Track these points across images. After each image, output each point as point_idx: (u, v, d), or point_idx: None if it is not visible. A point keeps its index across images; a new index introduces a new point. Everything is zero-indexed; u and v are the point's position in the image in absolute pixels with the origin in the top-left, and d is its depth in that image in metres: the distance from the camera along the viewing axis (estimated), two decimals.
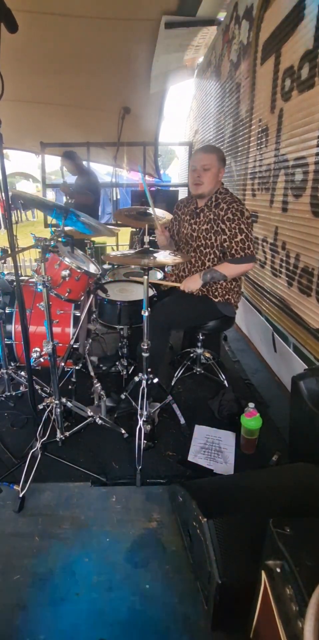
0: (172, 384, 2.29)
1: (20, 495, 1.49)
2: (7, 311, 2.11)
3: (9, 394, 2.14)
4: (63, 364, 2.00)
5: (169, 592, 1.22)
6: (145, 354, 1.70)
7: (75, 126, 4.94)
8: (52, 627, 1.13)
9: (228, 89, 3.22)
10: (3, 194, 1.34)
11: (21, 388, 2.16)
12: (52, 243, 1.54)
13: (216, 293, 1.99)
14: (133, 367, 2.36)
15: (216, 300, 1.99)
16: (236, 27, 2.90)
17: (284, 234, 2.14)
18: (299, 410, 1.52)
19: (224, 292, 1.99)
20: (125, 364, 2.34)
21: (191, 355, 2.39)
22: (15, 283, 1.45)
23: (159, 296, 2.24)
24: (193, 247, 2.03)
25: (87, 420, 1.83)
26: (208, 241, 1.96)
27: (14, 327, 2.16)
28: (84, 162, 4.26)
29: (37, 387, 2.06)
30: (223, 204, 1.89)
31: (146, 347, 1.68)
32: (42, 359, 1.97)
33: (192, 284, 1.91)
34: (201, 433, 1.93)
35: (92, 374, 2.05)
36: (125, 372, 2.33)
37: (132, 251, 1.97)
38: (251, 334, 3.00)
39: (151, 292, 2.24)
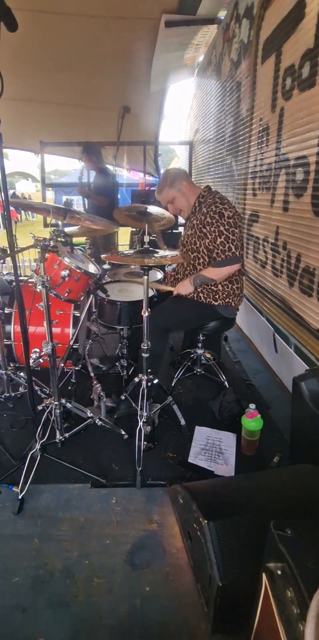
0: (172, 384, 2.29)
1: (20, 497, 1.49)
2: (6, 311, 2.10)
3: (8, 394, 2.14)
4: (62, 364, 2.00)
5: (169, 595, 1.21)
6: (145, 355, 1.69)
7: (75, 125, 4.94)
8: (51, 629, 1.12)
9: (229, 87, 3.21)
10: (2, 194, 1.33)
11: (20, 389, 2.16)
12: (51, 243, 1.53)
13: (216, 296, 1.98)
14: (133, 367, 2.35)
15: (216, 303, 1.99)
16: (237, 26, 2.88)
17: (285, 233, 2.13)
18: (300, 411, 1.51)
19: (224, 295, 1.98)
20: (125, 364, 2.33)
21: (192, 355, 2.38)
22: (14, 283, 1.45)
23: (159, 297, 2.23)
24: (184, 252, 2.08)
25: (87, 422, 1.82)
26: (194, 246, 1.98)
27: (13, 328, 2.16)
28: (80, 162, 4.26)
29: (36, 388, 2.06)
30: (204, 207, 1.91)
31: (146, 347, 1.68)
32: (41, 360, 1.97)
33: (183, 289, 1.98)
34: (202, 434, 1.92)
35: (92, 374, 2.04)
36: (125, 373, 2.32)
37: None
38: (252, 334, 2.99)
39: (151, 293, 2.23)
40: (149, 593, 1.21)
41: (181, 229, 4.10)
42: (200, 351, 2.35)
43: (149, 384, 1.75)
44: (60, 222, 1.83)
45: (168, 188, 2.01)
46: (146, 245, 1.65)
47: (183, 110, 5.93)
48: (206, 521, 1.07)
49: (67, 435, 1.77)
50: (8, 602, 1.19)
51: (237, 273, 2.01)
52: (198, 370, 2.41)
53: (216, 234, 1.84)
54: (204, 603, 1.14)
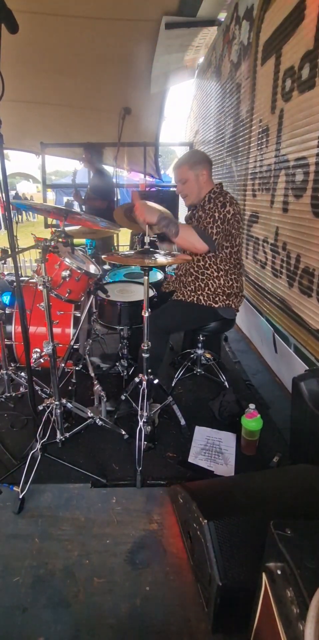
0: (173, 384, 2.29)
1: (20, 497, 1.49)
2: (7, 311, 2.11)
3: (9, 394, 2.14)
4: (63, 364, 2.00)
5: (169, 594, 1.21)
6: (145, 355, 1.70)
7: (76, 126, 4.95)
8: (52, 629, 1.12)
9: (229, 89, 3.22)
10: (3, 194, 1.33)
11: (21, 389, 2.16)
12: (52, 244, 1.54)
13: (216, 299, 1.98)
14: (133, 367, 2.35)
15: (216, 305, 1.98)
16: (237, 28, 2.89)
17: (285, 234, 2.13)
18: (300, 411, 1.52)
19: (224, 297, 1.98)
20: (125, 364, 2.34)
21: (192, 356, 2.38)
22: (15, 283, 1.45)
23: (159, 298, 2.23)
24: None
25: (87, 421, 1.82)
26: None
27: (14, 328, 2.16)
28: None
29: (37, 388, 2.06)
30: (212, 203, 1.87)
31: (146, 347, 1.68)
32: (42, 360, 1.97)
33: (148, 213, 1.71)
34: (202, 434, 1.92)
35: (92, 374, 2.04)
36: (125, 373, 2.33)
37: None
38: (252, 334, 3.00)
39: (151, 293, 2.23)
40: (149, 593, 1.22)
41: None
42: (200, 351, 2.35)
43: (149, 384, 1.75)
44: (60, 223, 1.83)
45: (188, 168, 1.92)
46: (146, 246, 1.65)
47: (184, 111, 5.96)
48: (206, 521, 1.08)
49: (67, 435, 1.78)
50: (8, 601, 1.19)
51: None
52: (198, 370, 2.42)
53: (209, 217, 1.81)
54: (204, 603, 1.14)
